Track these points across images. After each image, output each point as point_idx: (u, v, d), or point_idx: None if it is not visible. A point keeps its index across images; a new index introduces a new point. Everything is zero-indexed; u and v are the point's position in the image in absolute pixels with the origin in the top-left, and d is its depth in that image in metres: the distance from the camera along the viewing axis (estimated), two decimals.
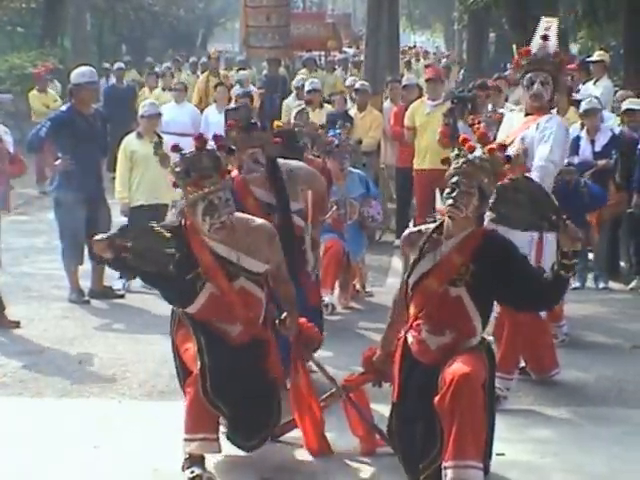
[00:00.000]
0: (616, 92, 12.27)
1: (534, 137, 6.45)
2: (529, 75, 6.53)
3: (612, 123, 10.46)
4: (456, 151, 5.09)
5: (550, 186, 6.20)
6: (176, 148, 5.35)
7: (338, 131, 9.16)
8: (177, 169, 5.25)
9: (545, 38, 6.55)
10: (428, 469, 4.96)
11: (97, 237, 5.13)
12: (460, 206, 4.93)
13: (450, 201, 4.95)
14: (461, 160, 4.99)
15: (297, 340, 5.62)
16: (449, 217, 5.00)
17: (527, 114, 6.63)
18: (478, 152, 5.00)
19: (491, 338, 6.02)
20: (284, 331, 5.60)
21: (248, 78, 16.74)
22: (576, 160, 9.35)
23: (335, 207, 8.78)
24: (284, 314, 5.62)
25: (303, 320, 5.69)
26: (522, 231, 5.36)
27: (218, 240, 5.26)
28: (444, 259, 5.01)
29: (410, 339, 5.13)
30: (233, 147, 6.17)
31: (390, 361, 5.31)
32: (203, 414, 5.08)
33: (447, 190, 5.01)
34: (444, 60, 27.34)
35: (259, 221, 5.46)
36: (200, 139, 5.31)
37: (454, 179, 4.97)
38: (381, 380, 5.51)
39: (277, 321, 5.61)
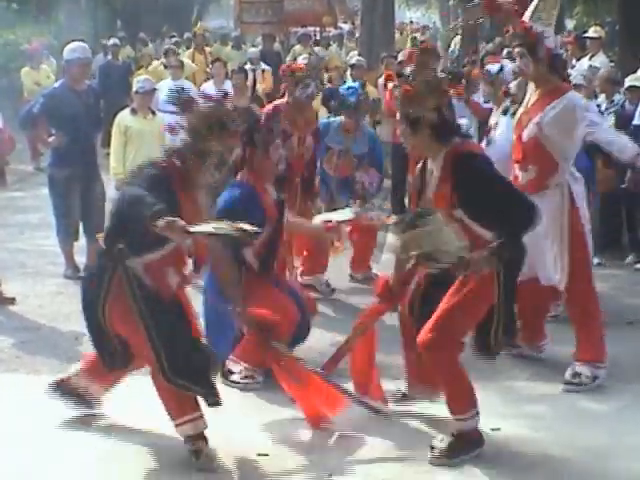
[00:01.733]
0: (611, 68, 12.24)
1: (550, 121, 6.25)
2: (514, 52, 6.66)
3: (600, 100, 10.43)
4: None
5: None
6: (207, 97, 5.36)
7: (356, 86, 9.17)
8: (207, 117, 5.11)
9: (517, 13, 6.60)
10: None
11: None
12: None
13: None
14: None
15: (258, 335, 5.66)
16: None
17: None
18: None
19: None
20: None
21: (258, 56, 16.59)
22: None
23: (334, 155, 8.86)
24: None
25: (258, 310, 5.68)
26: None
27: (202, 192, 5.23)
28: (437, 191, 5.14)
29: None
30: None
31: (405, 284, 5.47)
32: (179, 397, 5.06)
33: None
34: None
35: None
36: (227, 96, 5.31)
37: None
38: (397, 305, 5.60)
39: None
